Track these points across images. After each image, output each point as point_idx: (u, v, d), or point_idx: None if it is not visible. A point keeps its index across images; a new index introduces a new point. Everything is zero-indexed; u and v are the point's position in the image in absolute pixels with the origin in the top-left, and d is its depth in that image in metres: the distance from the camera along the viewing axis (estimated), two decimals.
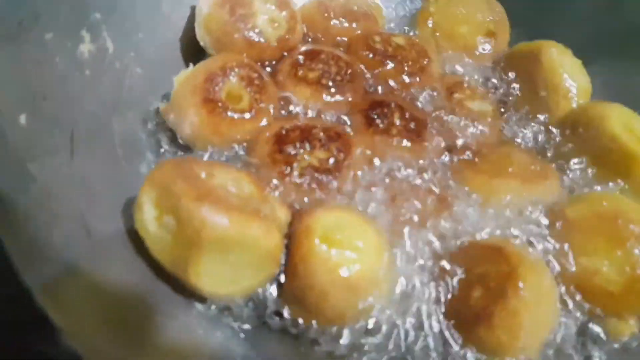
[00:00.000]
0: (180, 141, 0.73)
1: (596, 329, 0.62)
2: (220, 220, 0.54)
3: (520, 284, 0.57)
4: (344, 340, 0.59)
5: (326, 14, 0.87)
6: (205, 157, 0.71)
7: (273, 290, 0.62)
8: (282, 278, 0.61)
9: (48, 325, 0.41)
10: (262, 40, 0.78)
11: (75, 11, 0.66)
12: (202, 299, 0.60)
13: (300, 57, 0.80)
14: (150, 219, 0.58)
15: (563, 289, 0.63)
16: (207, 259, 0.55)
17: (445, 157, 0.76)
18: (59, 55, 0.63)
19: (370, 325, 0.60)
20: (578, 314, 0.63)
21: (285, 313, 0.60)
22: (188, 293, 0.59)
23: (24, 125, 0.54)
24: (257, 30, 0.78)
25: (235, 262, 0.57)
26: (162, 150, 0.73)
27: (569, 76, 0.81)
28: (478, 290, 0.60)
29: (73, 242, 0.53)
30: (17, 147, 0.53)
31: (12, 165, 0.51)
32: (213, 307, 0.60)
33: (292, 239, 0.61)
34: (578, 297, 0.63)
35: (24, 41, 0.58)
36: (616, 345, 0.62)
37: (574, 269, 0.64)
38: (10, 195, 0.49)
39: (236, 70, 0.74)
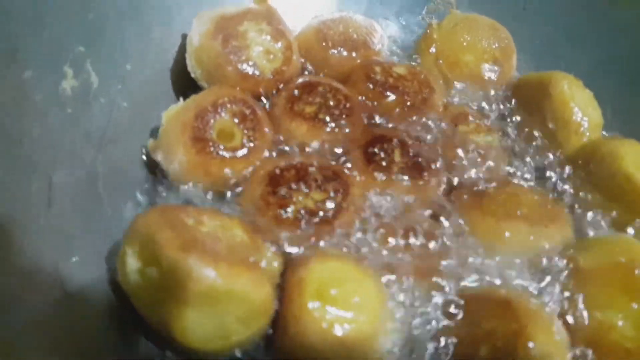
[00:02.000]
0: (169, 180, 0.69)
1: None
2: (207, 272, 0.51)
3: (530, 345, 0.53)
4: None
5: (324, 43, 0.84)
6: (195, 198, 0.68)
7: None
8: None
9: None
10: (256, 72, 0.75)
11: (56, 45, 0.63)
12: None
13: (297, 91, 0.76)
14: (132, 271, 0.54)
15: (576, 344, 0.59)
16: (193, 314, 0.51)
17: (450, 197, 0.72)
18: (39, 93, 0.59)
19: None
20: None
21: None
22: (171, 349, 0.56)
23: None
24: (251, 63, 0.74)
25: (222, 316, 0.53)
26: (150, 191, 0.69)
27: (580, 110, 0.77)
28: (485, 348, 0.56)
29: (46, 297, 0.49)
30: None
31: None
32: None
33: (284, 292, 0.57)
34: (591, 354, 0.59)
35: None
36: None
37: (587, 323, 0.59)
38: None
39: (228, 106, 0.70)
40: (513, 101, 0.84)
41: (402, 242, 0.64)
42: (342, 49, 0.84)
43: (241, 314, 0.53)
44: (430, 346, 0.58)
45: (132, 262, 0.53)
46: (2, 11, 0.56)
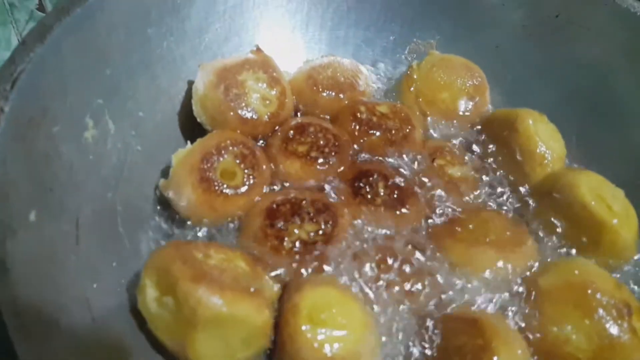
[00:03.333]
0: (178, 216, 0.78)
1: None
2: (215, 300, 0.60)
3: (495, 358, 0.62)
4: None
5: (315, 87, 0.93)
6: (202, 232, 0.77)
7: None
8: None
9: None
10: (254, 117, 0.84)
11: (79, 101, 0.71)
12: None
13: (291, 132, 0.85)
14: (151, 299, 0.63)
15: (536, 358, 0.67)
16: (203, 336, 0.60)
17: (427, 224, 0.81)
18: (65, 145, 0.68)
19: None
20: None
21: None
22: None
23: (33, 221, 0.59)
24: (250, 109, 0.84)
25: (228, 337, 0.62)
26: (163, 226, 0.78)
27: (544, 144, 0.86)
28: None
29: (76, 322, 0.58)
30: (27, 244, 0.57)
31: (22, 264, 0.56)
32: None
33: (280, 315, 0.66)
34: None
35: (33, 138, 0.63)
36: None
37: (545, 337, 0.68)
38: (19, 288, 0.54)
39: (230, 148, 0.79)
40: (485, 137, 0.93)
41: (383, 266, 0.73)
42: (330, 92, 0.93)
43: (244, 336, 0.62)
44: None
45: (151, 292, 0.62)
46: (34, 73, 0.64)
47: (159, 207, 0.80)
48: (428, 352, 0.67)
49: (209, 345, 0.60)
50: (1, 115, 0.59)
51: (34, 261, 0.57)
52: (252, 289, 0.63)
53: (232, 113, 0.83)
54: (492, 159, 0.90)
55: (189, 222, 0.77)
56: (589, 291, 0.68)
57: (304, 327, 0.62)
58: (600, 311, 0.66)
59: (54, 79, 0.67)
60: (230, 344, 0.62)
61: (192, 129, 0.87)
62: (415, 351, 0.67)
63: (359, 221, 0.78)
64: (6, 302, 0.51)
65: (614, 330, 0.66)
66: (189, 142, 0.81)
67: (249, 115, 0.84)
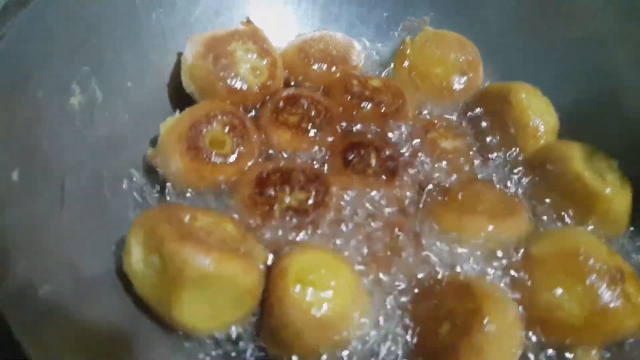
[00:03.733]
0: (167, 185, 0.77)
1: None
2: (201, 259, 0.59)
3: (485, 321, 0.61)
4: None
5: (306, 59, 0.92)
6: (190, 200, 0.76)
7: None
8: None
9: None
10: (244, 87, 0.83)
11: (65, 67, 0.71)
12: (184, 336, 0.64)
13: (281, 102, 0.84)
14: (137, 260, 0.62)
15: (527, 323, 0.66)
16: (188, 296, 0.59)
17: (418, 195, 0.80)
18: (50, 110, 0.67)
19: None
20: (540, 346, 0.66)
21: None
22: (171, 330, 0.63)
23: (16, 180, 0.58)
24: (239, 79, 0.83)
25: (215, 298, 0.61)
26: (149, 194, 0.77)
27: (537, 116, 0.85)
28: (446, 326, 0.63)
29: (62, 285, 0.56)
30: (8, 203, 0.56)
31: (3, 219, 0.55)
32: (193, 343, 0.63)
33: (269, 280, 0.65)
34: (541, 331, 0.66)
35: (16, 103, 0.62)
36: None
37: (537, 303, 0.67)
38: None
39: (219, 117, 0.78)
40: (478, 109, 0.92)
41: (374, 235, 0.72)
42: (322, 64, 0.92)
43: (231, 297, 0.61)
44: (398, 325, 0.66)
45: (136, 252, 0.61)
46: (17, 38, 0.64)
47: (146, 176, 0.79)
48: (418, 317, 0.66)
49: (195, 306, 0.59)
50: None
51: (17, 221, 0.56)
52: (240, 251, 0.62)
53: (221, 83, 0.82)
54: (485, 133, 0.89)
55: (177, 190, 0.76)
56: (581, 257, 0.67)
57: (292, 289, 0.61)
58: (593, 277, 0.66)
59: (37, 45, 0.67)
60: (217, 305, 0.61)
61: (181, 100, 0.86)
62: (405, 316, 0.66)
63: (349, 191, 0.77)
64: None
65: (606, 296, 0.65)
66: (177, 110, 0.80)
67: (238, 85, 0.82)
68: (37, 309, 0.53)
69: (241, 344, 0.65)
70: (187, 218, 0.63)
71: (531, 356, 0.66)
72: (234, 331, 0.64)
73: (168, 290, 0.59)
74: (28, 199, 0.59)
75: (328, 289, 0.62)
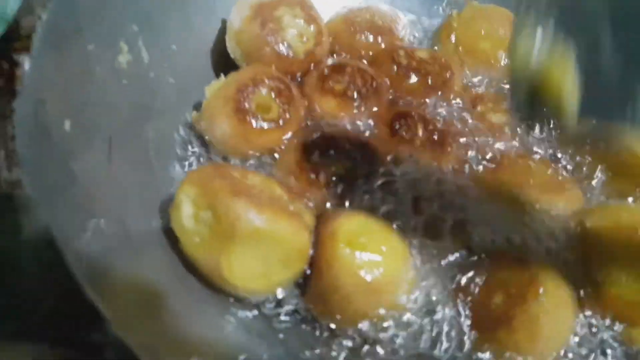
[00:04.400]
0: (211, 148, 0.76)
1: (612, 337, 0.63)
2: (254, 215, 0.58)
3: (541, 290, 0.59)
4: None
5: (352, 29, 0.90)
6: (235, 164, 0.75)
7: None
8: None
9: (98, 317, 0.44)
10: (290, 53, 0.81)
11: (114, 24, 0.70)
12: (231, 298, 0.63)
13: (327, 70, 0.82)
14: (187, 215, 0.61)
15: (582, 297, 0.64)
16: (239, 252, 0.58)
17: (468, 168, 0.78)
18: (99, 65, 0.67)
19: (391, 324, 0.62)
20: (595, 322, 0.64)
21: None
22: (218, 291, 0.62)
23: (68, 130, 0.58)
24: (286, 44, 0.81)
25: (265, 256, 0.60)
26: (193, 157, 0.76)
27: None
28: (499, 296, 0.61)
29: (113, 240, 0.56)
30: (61, 150, 0.56)
31: (57, 166, 0.55)
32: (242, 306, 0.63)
33: (317, 243, 0.63)
34: (595, 306, 0.64)
35: (68, 52, 0.62)
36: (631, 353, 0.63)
37: (592, 278, 0.65)
38: (55, 193, 0.53)
39: (266, 81, 0.76)
40: None
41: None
42: (368, 34, 0.90)
43: (282, 256, 0.60)
44: (450, 294, 0.64)
45: (187, 208, 0.60)
46: None
47: (190, 140, 0.78)
48: (471, 287, 0.64)
49: (246, 263, 0.58)
50: (39, 23, 0.59)
51: (67, 170, 0.56)
52: (290, 210, 0.61)
53: (267, 48, 0.80)
54: None
55: (221, 155, 0.75)
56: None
57: (342, 251, 0.59)
58: None
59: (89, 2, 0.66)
60: (267, 263, 0.59)
61: (224, 67, 0.85)
62: (455, 287, 0.65)
63: (397, 161, 0.76)
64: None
65: None
66: (222, 75, 0.79)
67: (285, 51, 0.81)
68: (86, 259, 0.53)
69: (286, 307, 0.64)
70: (237, 175, 0.62)
71: (583, 331, 0.64)
72: (280, 292, 0.63)
73: (219, 246, 0.58)
74: (77, 148, 0.59)
75: (379, 253, 0.60)
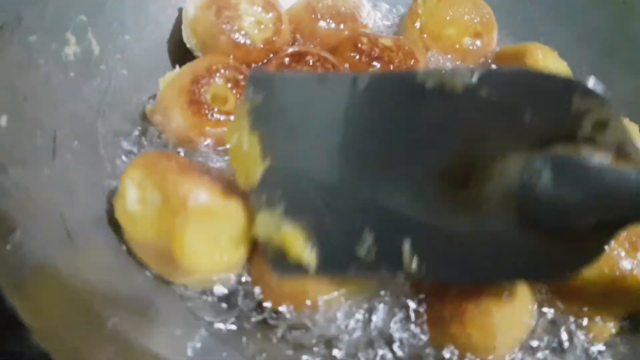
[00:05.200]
0: (167, 142, 0.73)
1: (574, 330, 0.63)
2: (205, 191, 0.57)
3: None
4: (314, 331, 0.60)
5: (313, 16, 0.88)
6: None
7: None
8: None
9: (19, 325, 0.42)
10: (248, 42, 0.79)
11: (60, 13, 0.67)
12: (181, 297, 0.61)
13: (286, 59, 0.80)
14: (132, 201, 0.59)
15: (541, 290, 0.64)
16: (191, 229, 0.56)
17: None
18: (43, 57, 0.64)
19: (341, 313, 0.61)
20: (555, 315, 0.63)
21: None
22: (168, 291, 0.61)
23: (4, 126, 0.55)
24: (243, 32, 0.78)
25: (217, 235, 0.59)
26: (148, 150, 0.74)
27: None
28: (454, 289, 0.60)
29: (51, 242, 0.53)
30: None
31: None
32: (190, 303, 0.61)
33: None
34: (558, 300, 0.63)
35: (6, 44, 0.60)
36: (593, 348, 0.62)
37: None
38: None
39: (222, 71, 0.74)
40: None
41: None
42: (330, 21, 0.88)
43: (232, 234, 0.59)
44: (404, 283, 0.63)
45: (132, 193, 0.58)
46: None
47: (144, 134, 0.75)
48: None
49: (197, 241, 0.57)
50: None
51: (3, 165, 0.53)
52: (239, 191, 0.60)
53: (223, 37, 0.77)
54: None
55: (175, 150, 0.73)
56: None
57: None
58: (612, 243, 0.62)
59: None
60: (218, 242, 0.58)
61: (181, 56, 0.82)
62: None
63: None
64: None
65: (626, 263, 0.62)
66: (177, 66, 0.77)
67: (242, 39, 0.78)
68: (30, 269, 0.50)
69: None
70: (183, 159, 0.62)
71: (545, 325, 0.63)
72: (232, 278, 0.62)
73: (169, 224, 0.56)
74: (18, 144, 0.56)
75: None
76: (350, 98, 0.57)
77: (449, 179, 0.56)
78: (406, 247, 0.56)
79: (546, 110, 0.53)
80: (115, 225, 0.61)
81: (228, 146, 0.66)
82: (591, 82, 0.53)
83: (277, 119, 0.58)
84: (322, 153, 0.58)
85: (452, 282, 0.60)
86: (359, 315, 0.62)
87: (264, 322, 0.62)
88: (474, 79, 0.53)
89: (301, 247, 0.57)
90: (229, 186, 0.60)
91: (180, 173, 0.56)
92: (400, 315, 0.62)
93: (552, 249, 0.54)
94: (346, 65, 0.83)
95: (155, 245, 0.58)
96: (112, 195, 0.63)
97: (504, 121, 0.54)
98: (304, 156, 0.58)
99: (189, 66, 0.75)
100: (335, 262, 0.58)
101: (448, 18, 0.92)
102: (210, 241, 0.58)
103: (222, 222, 0.58)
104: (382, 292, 0.62)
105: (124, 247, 0.61)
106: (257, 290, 0.61)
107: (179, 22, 0.84)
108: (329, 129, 0.58)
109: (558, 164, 0.52)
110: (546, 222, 0.54)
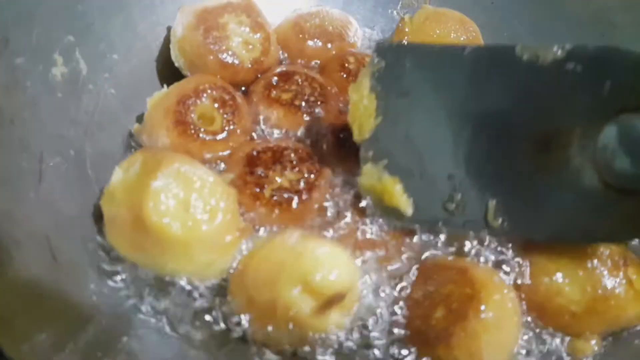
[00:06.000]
0: None
1: (558, 348, 0.63)
2: (181, 158, 0.61)
3: (482, 307, 0.58)
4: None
5: (301, 35, 0.89)
6: None
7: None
8: None
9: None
10: (235, 62, 0.79)
11: (47, 34, 0.68)
12: (157, 312, 0.61)
13: (274, 79, 0.80)
14: (117, 179, 0.61)
15: (525, 309, 0.64)
16: (162, 184, 0.58)
17: None
18: (30, 79, 0.65)
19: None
20: (540, 334, 0.64)
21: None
22: (151, 312, 0.61)
23: None
24: (230, 53, 0.79)
25: (187, 199, 0.59)
26: None
27: None
28: (440, 311, 0.60)
29: (36, 265, 0.53)
30: None
31: None
32: (165, 320, 0.61)
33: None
34: (540, 318, 0.64)
35: None
36: None
37: (537, 289, 0.64)
38: None
39: (209, 92, 0.75)
40: None
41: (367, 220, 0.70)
42: (317, 41, 0.89)
43: (205, 197, 0.60)
44: (390, 306, 0.63)
45: (117, 174, 0.61)
46: None
47: (131, 154, 0.75)
48: (412, 300, 0.63)
49: (167, 200, 0.58)
50: None
51: None
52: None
53: (211, 57, 0.78)
54: None
55: None
56: None
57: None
58: (595, 262, 0.63)
59: (17, 9, 0.64)
60: (188, 207, 0.59)
61: (169, 75, 0.83)
62: (397, 299, 0.64)
63: (343, 172, 0.74)
64: None
65: (608, 281, 0.62)
66: (165, 85, 0.77)
67: (229, 59, 0.79)
68: (14, 284, 0.50)
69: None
70: None
71: (530, 345, 0.63)
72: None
73: (142, 185, 0.57)
74: (3, 168, 0.56)
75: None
76: (457, 67, 0.66)
77: (534, 143, 0.65)
78: (491, 205, 0.66)
79: (622, 83, 0.60)
80: (102, 245, 0.61)
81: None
82: None
83: (394, 84, 0.67)
84: (428, 118, 0.67)
85: (533, 239, 0.66)
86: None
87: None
88: (562, 53, 0.61)
89: (399, 195, 0.66)
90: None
91: (167, 152, 0.61)
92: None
93: (627, 208, 0.60)
94: (334, 86, 0.83)
95: (129, 212, 0.58)
96: (99, 216, 0.62)
97: (585, 92, 0.61)
98: (411, 119, 0.67)
99: (176, 86, 0.75)
100: (428, 213, 0.67)
101: (435, 36, 0.93)
102: (179, 205, 0.58)
103: (197, 189, 0.59)
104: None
105: (109, 268, 0.61)
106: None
107: (167, 40, 0.84)
108: (436, 95, 0.66)
109: (626, 130, 0.59)
110: (620, 182, 0.61)
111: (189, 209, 0.58)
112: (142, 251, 0.59)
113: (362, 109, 0.66)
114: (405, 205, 0.67)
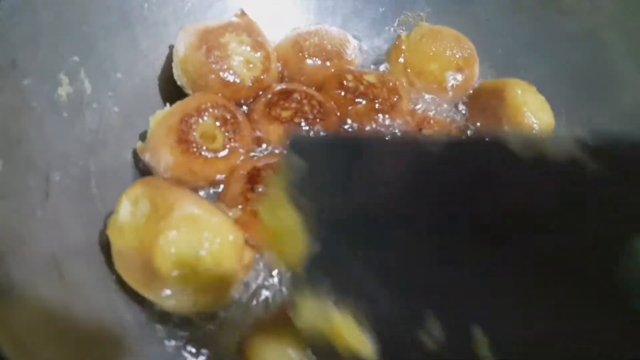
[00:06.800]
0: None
1: None
2: (192, 202, 0.62)
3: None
4: None
5: (301, 54, 0.90)
6: None
7: None
8: None
9: None
10: (237, 80, 0.81)
11: (53, 55, 0.69)
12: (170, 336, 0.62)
13: (274, 97, 0.82)
14: (124, 214, 0.62)
15: None
16: (173, 233, 0.58)
17: None
18: (36, 99, 0.66)
19: None
20: None
21: None
22: (157, 331, 0.62)
23: (0, 170, 0.57)
24: (232, 72, 0.81)
25: (197, 246, 0.60)
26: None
27: (532, 114, 0.84)
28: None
29: (42, 284, 0.55)
30: None
31: None
32: (174, 342, 0.62)
33: None
34: None
35: (0, 88, 0.61)
36: None
37: None
38: None
39: (211, 110, 0.76)
40: (473, 108, 0.91)
41: None
42: (317, 59, 0.91)
43: (214, 250, 0.60)
44: None
45: (126, 207, 0.62)
46: (2, 24, 0.62)
47: (135, 172, 0.77)
48: None
49: (178, 248, 0.58)
50: None
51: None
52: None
53: (213, 76, 0.80)
54: (479, 130, 0.88)
55: None
56: None
57: None
58: None
59: (25, 31, 0.66)
60: (198, 254, 0.59)
61: (172, 93, 0.84)
62: None
63: None
64: None
65: None
66: (167, 104, 0.79)
67: (231, 78, 0.81)
68: (21, 304, 0.52)
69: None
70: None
71: None
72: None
73: (154, 229, 0.58)
74: (10, 188, 0.58)
75: None
76: (418, 163, 0.45)
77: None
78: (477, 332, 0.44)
79: None
80: (109, 264, 0.62)
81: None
82: None
83: (324, 190, 0.47)
84: (380, 228, 0.46)
85: None
86: None
87: None
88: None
89: (357, 337, 0.46)
90: (217, 207, 0.64)
91: (172, 186, 0.61)
92: None
93: None
94: (333, 104, 0.85)
95: (139, 254, 0.59)
96: (104, 233, 0.64)
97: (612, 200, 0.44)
98: (357, 232, 0.47)
99: (178, 105, 0.77)
100: (397, 353, 0.46)
101: (431, 53, 0.95)
102: (190, 252, 0.59)
103: (204, 233, 0.60)
104: None
105: (116, 286, 0.62)
106: None
107: (170, 58, 0.86)
108: (387, 198, 0.46)
109: None
110: None
111: (199, 259, 0.60)
112: (148, 288, 0.61)
113: (284, 234, 0.47)
114: (364, 346, 0.46)
